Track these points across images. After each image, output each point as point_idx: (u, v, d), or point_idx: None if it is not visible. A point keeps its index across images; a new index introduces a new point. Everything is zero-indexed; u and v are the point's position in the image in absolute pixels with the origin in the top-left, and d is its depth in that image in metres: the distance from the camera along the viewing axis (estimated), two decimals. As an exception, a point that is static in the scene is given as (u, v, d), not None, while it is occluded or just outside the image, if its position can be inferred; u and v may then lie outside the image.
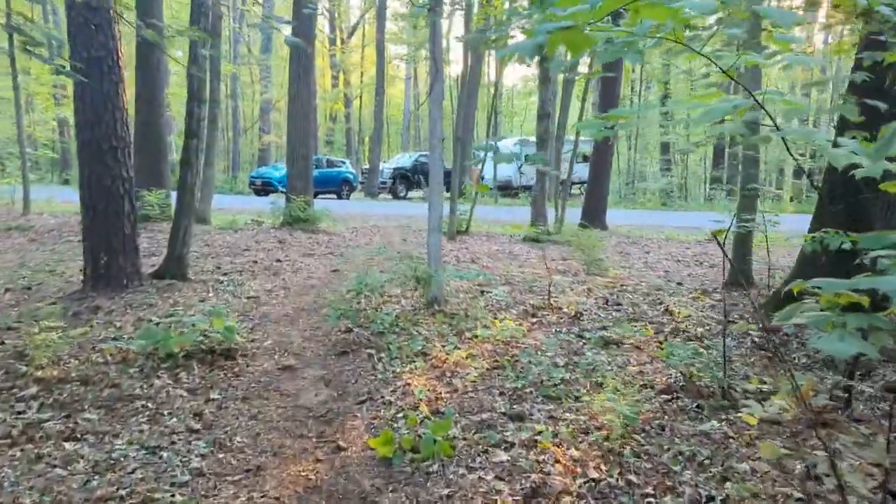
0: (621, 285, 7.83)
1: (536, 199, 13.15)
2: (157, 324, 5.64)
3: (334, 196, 28.61)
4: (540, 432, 3.63)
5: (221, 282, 7.55)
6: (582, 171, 36.63)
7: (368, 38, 46.35)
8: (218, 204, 21.48)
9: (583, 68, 14.74)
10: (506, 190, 30.27)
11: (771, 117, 2.26)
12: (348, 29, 46.58)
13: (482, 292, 7.17)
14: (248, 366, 4.84)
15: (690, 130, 32.78)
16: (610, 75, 14.23)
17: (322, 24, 48.62)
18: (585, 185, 38.85)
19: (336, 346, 5.29)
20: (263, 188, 27.37)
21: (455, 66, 57.17)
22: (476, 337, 5.38)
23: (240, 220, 15.08)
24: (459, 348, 5.11)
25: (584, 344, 5.25)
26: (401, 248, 11.27)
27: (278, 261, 9.24)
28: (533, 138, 37.24)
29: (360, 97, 45.81)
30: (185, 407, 4.13)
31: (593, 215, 14.54)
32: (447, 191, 29.68)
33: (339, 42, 44.44)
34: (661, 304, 6.68)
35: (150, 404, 4.14)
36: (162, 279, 7.25)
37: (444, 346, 5.14)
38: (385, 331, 5.50)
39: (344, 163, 29.89)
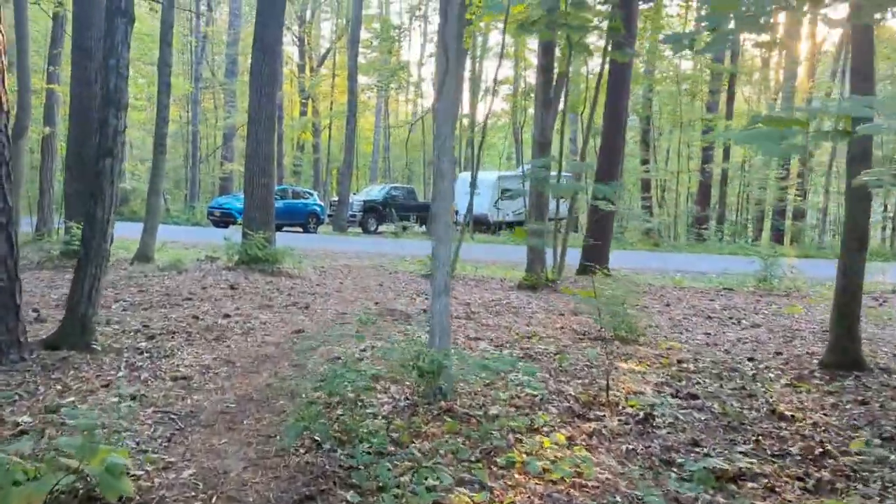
0: (678, 361, 6.01)
1: (530, 241, 11.37)
2: (19, 434, 3.66)
3: (300, 230, 26.64)
4: None
5: (142, 352, 5.54)
6: (564, 207, 35.31)
7: (339, 65, 44.83)
8: (171, 236, 19.42)
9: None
10: (479, 226, 28.55)
11: None
12: (318, 57, 44.98)
13: (499, 371, 5.29)
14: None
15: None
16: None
17: (292, 52, 47.06)
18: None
19: (296, 480, 3.34)
20: (223, 219, 25.28)
21: (428, 99, 55.81)
22: (513, 465, 3.49)
23: (189, 257, 13.06)
24: (492, 490, 3.21)
25: (683, 482, 3.38)
26: (378, 298, 9.35)
27: (226, 316, 7.25)
28: (511, 172, 35.83)
29: (329, 127, 44.07)
30: None
31: (596, 256, 12.80)
32: (423, 227, 27.81)
33: (308, 70, 42.73)
34: (751, 396, 4.85)
35: None
36: (56, 350, 5.23)
37: (467, 488, 3.23)
38: (371, 451, 3.58)
39: (311, 194, 28.00)
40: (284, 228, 26.68)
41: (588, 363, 5.83)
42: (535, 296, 10.71)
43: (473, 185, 14.32)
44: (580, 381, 5.19)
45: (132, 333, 6.20)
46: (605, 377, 4.90)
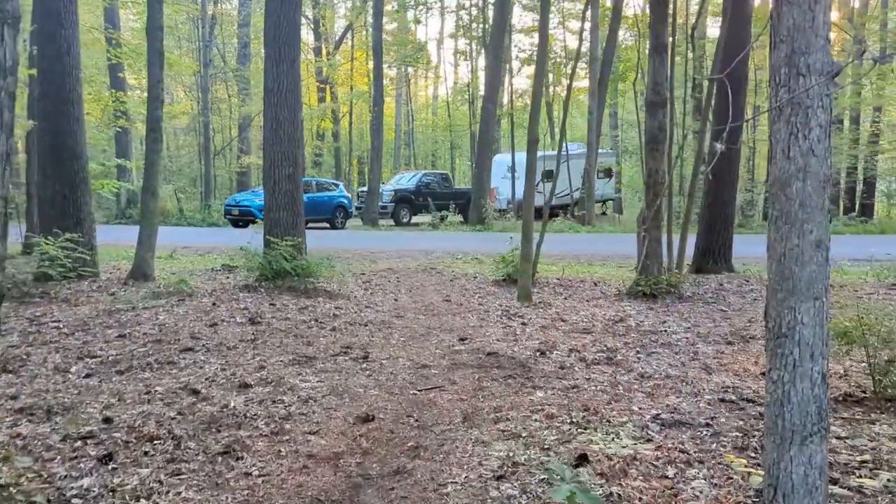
0: None
1: (649, 227, 8.53)
2: None
3: (327, 226, 24.03)
4: None
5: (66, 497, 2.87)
6: (603, 187, 32.13)
7: (357, 46, 41.99)
8: (185, 239, 16.87)
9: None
10: (519, 211, 25.73)
11: None
12: (335, 40, 42.15)
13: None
14: None
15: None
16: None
17: (306, 37, 44.26)
18: (607, 202, 34.60)
19: None
20: (242, 218, 22.67)
21: (448, 80, 52.81)
22: None
23: (202, 267, 10.50)
24: None
25: None
26: (457, 326, 6.59)
27: (244, 387, 4.53)
28: (552, 152, 32.89)
29: (350, 114, 41.32)
30: None
31: (715, 251, 9.97)
32: (461, 216, 25.09)
33: (324, 54, 39.94)
34: None
35: None
36: None
37: None
38: None
39: (337, 185, 25.35)
40: (310, 225, 24.14)
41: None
42: (661, 308, 7.92)
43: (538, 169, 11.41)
44: None
45: (77, 447, 3.51)
46: None
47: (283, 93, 8.88)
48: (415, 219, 26.45)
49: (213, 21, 27.92)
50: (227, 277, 9.75)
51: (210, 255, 13.74)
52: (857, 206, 27.15)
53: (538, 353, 5.42)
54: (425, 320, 7.09)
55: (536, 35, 36.61)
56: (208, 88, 27.33)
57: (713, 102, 9.00)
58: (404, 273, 11.34)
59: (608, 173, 32.69)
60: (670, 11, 8.56)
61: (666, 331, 6.64)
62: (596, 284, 9.92)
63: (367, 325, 6.71)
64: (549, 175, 30.55)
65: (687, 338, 6.32)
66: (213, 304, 7.34)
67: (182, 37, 32.83)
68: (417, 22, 35.43)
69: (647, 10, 8.95)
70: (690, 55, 20.10)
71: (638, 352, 5.60)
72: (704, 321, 7.19)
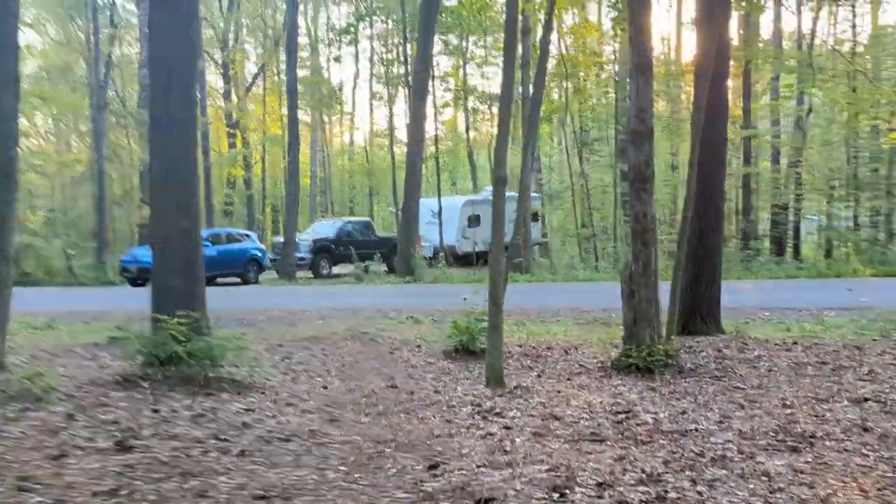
0: None
1: (637, 285, 6.93)
2: None
3: (239, 280, 21.75)
4: None
5: None
6: (531, 232, 30.73)
7: (270, 89, 40.00)
8: (74, 303, 14.34)
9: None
10: (446, 258, 24.10)
11: None
12: (245, 83, 39.96)
13: None
14: None
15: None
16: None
17: (214, 80, 41.90)
18: (535, 247, 33.32)
19: None
20: (141, 276, 20.07)
21: (364, 126, 51.25)
22: None
23: (81, 343, 8.29)
24: None
25: None
26: (420, 442, 4.68)
27: None
28: (480, 196, 31.52)
29: (263, 160, 39.07)
30: None
31: (702, 308, 8.50)
32: (386, 266, 23.19)
33: (234, 97, 37.72)
34: None
35: None
36: None
37: None
38: None
39: (249, 236, 23.14)
40: (219, 280, 21.78)
41: None
42: (666, 389, 6.29)
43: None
44: None
45: None
46: None
47: (175, 126, 6.92)
48: (336, 269, 24.45)
49: (108, 60, 25.42)
50: (110, 360, 7.57)
51: (97, 324, 11.40)
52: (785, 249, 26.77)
53: (556, 497, 3.61)
54: (371, 426, 5.19)
55: (453, 81, 35.52)
56: (103, 133, 24.72)
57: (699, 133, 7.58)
58: (331, 342, 9.39)
59: (534, 217, 31.51)
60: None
61: (696, 429, 4.96)
62: (567, 352, 8.25)
63: (290, 441, 4.74)
64: (476, 220, 29.34)
65: (731, 442, 4.66)
66: (69, 415, 5.19)
67: (77, 80, 30.01)
68: (336, 60, 33.68)
69: (626, 25, 7.53)
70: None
71: (693, 480, 3.86)
72: (730, 408, 5.59)
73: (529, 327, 10.46)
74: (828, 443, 4.67)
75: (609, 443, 4.64)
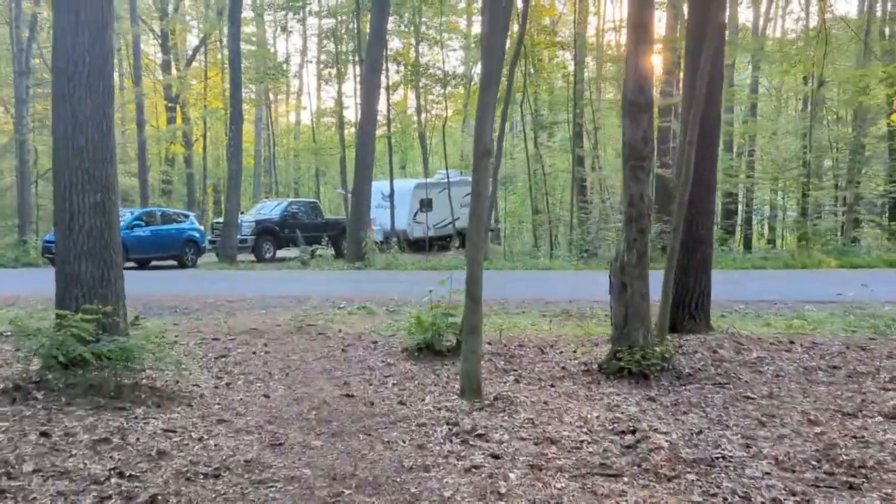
0: None
1: (630, 278, 6.01)
2: None
3: (175, 263, 20.29)
4: None
5: None
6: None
7: (213, 63, 38.04)
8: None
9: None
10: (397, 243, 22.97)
11: None
12: (186, 56, 37.87)
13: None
14: None
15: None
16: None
17: (150, 50, 39.67)
18: (490, 232, 32.38)
19: None
20: (64, 257, 18.38)
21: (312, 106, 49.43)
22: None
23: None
24: None
25: None
26: (385, 469, 3.63)
27: None
28: (433, 179, 30.42)
29: (204, 137, 37.15)
30: None
31: (691, 303, 7.65)
32: (334, 250, 21.96)
33: (174, 70, 35.64)
34: None
35: None
36: None
37: None
38: None
39: (187, 216, 21.59)
40: (154, 263, 20.27)
41: None
42: (666, 399, 5.41)
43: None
44: None
45: None
46: None
47: (84, 76, 5.67)
48: (280, 253, 23.15)
49: (32, 22, 23.37)
50: (11, 358, 6.32)
51: (9, 310, 10.01)
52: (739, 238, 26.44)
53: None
54: (324, 453, 4.12)
55: (404, 63, 33.93)
56: (26, 100, 22.75)
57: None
58: (274, 336, 8.28)
59: (488, 202, 30.57)
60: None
61: (724, 457, 4.07)
62: (543, 351, 7.30)
63: (219, 478, 3.66)
64: (428, 204, 28.26)
65: (771, 475, 3.78)
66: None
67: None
68: (283, 29, 31.94)
69: None
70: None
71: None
72: (749, 425, 4.73)
73: (494, 319, 9.48)
74: (885, 475, 3.83)
75: (626, 479, 3.70)
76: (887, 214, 21.90)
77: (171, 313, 10.71)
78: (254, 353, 7.33)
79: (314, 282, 15.81)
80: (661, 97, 23.67)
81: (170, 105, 34.49)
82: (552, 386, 5.85)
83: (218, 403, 5.21)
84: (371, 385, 5.88)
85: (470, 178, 19.83)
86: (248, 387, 5.81)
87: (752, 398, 5.48)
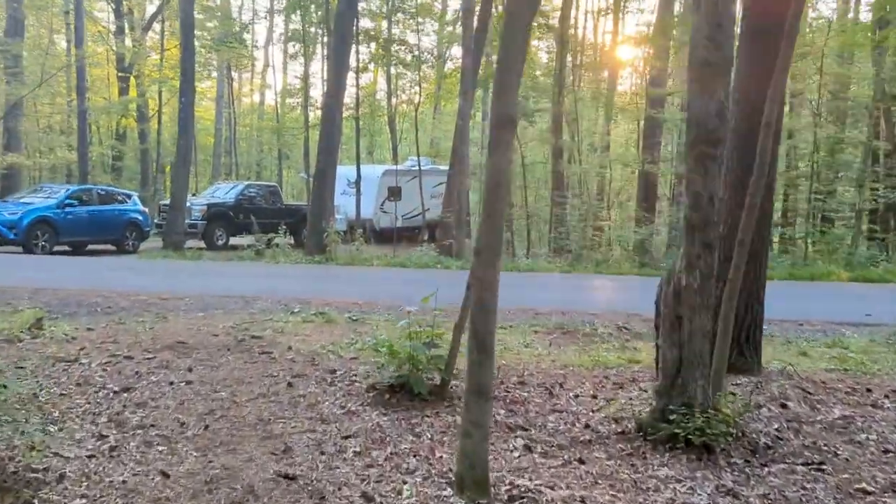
0: None
1: (690, 309, 4.33)
2: None
3: (114, 248, 18.25)
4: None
5: None
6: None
7: (171, 33, 35.43)
8: None
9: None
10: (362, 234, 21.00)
11: None
12: (142, 24, 35.22)
13: None
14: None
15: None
16: None
17: (104, 17, 36.97)
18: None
19: None
20: (-6, 239, 16.35)
21: (277, 85, 46.92)
22: None
23: None
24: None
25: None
26: None
27: None
28: (403, 166, 28.48)
29: (160, 112, 34.61)
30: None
31: (742, 337, 5.99)
32: (293, 239, 20.00)
33: (129, 39, 33.02)
34: None
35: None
36: None
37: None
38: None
39: (129, 197, 19.46)
40: (90, 248, 18.15)
41: None
42: (747, 491, 3.71)
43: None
44: None
45: None
46: None
47: None
48: (234, 240, 21.17)
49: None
50: None
51: None
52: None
53: None
54: None
55: (374, 44, 31.60)
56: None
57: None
58: (206, 353, 6.44)
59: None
60: None
61: None
62: (552, 392, 5.56)
63: None
64: (397, 193, 26.36)
65: None
66: None
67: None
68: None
69: None
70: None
71: None
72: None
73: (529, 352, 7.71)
74: None
75: None
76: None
77: (90, 313, 8.86)
78: (171, 383, 5.47)
79: (267, 276, 13.96)
80: (652, 87, 22.17)
81: (122, 76, 31.97)
82: (581, 462, 4.12)
83: (83, 495, 3.36)
84: (323, 455, 4.08)
85: (442, 168, 18.11)
86: (142, 455, 3.96)
87: (871, 492, 3.83)
